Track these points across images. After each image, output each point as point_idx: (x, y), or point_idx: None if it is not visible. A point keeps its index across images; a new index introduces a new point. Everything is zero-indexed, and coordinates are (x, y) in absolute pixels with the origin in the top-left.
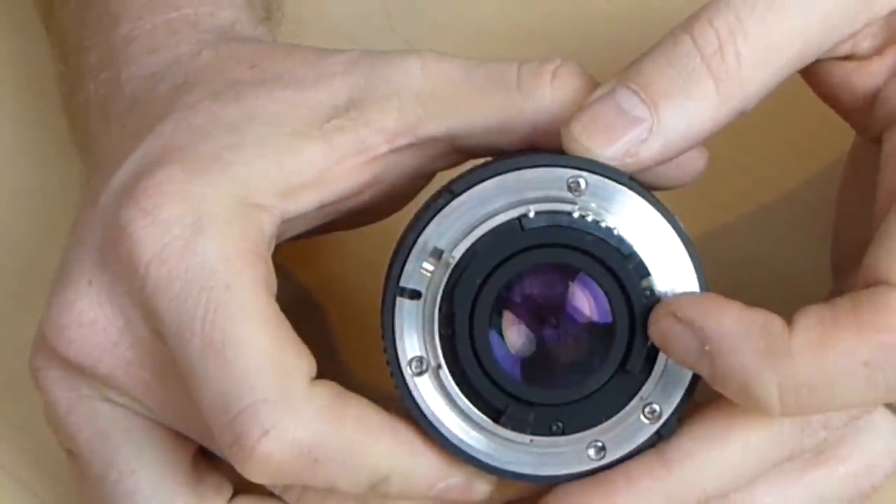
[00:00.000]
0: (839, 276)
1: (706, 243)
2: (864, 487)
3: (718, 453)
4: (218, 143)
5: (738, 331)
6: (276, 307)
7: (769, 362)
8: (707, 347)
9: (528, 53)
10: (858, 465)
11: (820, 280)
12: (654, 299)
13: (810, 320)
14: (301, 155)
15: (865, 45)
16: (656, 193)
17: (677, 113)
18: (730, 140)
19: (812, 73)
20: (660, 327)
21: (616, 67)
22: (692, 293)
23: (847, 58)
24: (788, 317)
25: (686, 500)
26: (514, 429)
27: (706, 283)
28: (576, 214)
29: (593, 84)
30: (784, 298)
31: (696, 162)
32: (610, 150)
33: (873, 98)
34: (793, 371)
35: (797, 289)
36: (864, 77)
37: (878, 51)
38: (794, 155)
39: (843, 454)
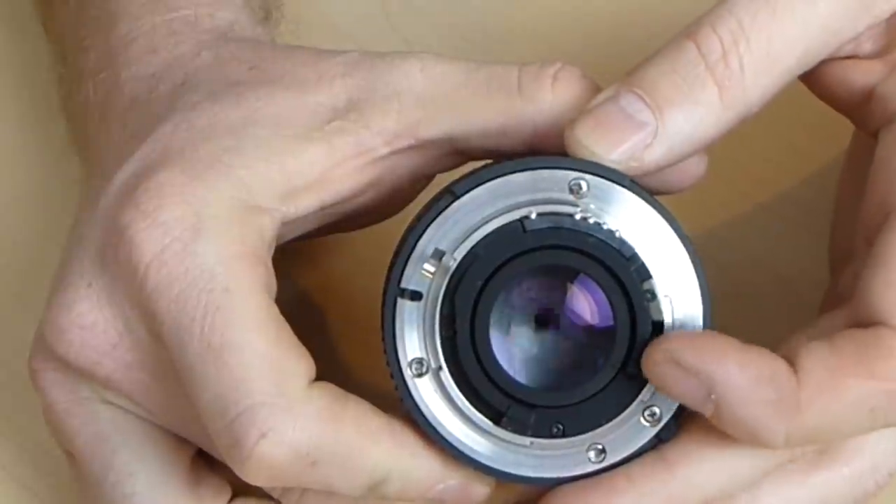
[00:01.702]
0: (836, 273)
1: (705, 243)
2: (868, 487)
3: (719, 455)
4: (218, 145)
5: (745, 382)
6: (276, 310)
7: (777, 412)
8: (713, 396)
9: (528, 53)
10: (862, 465)
11: (818, 279)
12: (655, 303)
13: (816, 366)
14: (302, 157)
15: (868, 46)
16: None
17: (682, 119)
18: (729, 140)
19: (810, 73)
20: (659, 372)
21: (617, 67)
22: (690, 333)
23: (849, 57)
24: (789, 317)
25: (687, 502)
26: (514, 431)
27: (707, 286)
28: (577, 216)
29: (594, 88)
30: (783, 298)
31: (696, 167)
32: (615, 154)
33: (869, 95)
34: (801, 420)
35: (796, 288)
36: (861, 74)
37: (880, 51)
38: (792, 155)
39: (846, 455)
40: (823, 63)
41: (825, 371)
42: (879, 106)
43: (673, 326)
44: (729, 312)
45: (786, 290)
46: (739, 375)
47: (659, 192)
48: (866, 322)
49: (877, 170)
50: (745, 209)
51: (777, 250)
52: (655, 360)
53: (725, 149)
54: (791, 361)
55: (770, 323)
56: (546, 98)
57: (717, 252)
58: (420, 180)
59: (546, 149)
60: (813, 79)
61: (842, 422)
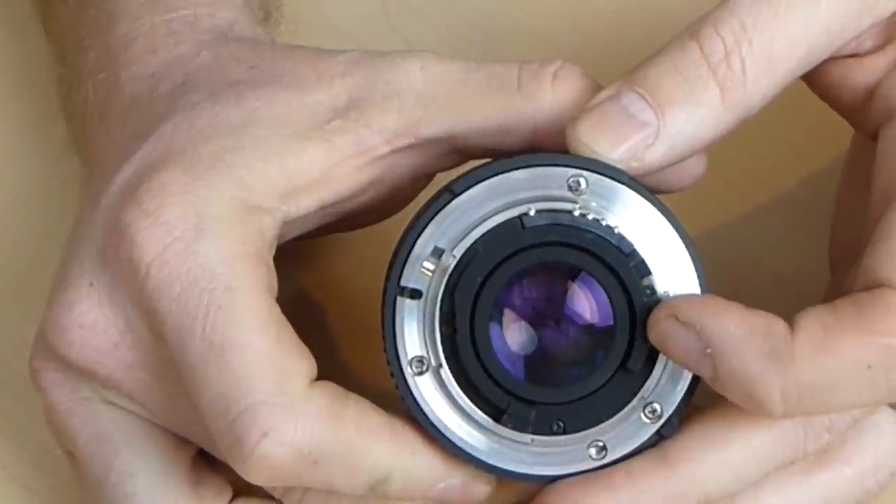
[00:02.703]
0: (836, 272)
1: (705, 243)
2: (870, 487)
3: (720, 454)
4: (219, 145)
5: (740, 334)
6: (277, 309)
7: (772, 365)
8: (709, 350)
9: (527, 53)
10: (864, 465)
11: (819, 279)
12: (654, 298)
13: (812, 323)
14: (302, 156)
15: (869, 44)
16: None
17: (683, 119)
18: (728, 140)
19: (811, 71)
20: (660, 329)
21: (616, 67)
22: (692, 295)
23: (851, 55)
24: (788, 316)
25: (686, 500)
26: (515, 428)
27: (706, 282)
28: (576, 213)
29: (594, 86)
30: (783, 297)
31: (695, 167)
32: (616, 153)
33: (871, 93)
34: (795, 374)
35: (796, 288)
36: (863, 72)
37: (879, 47)
38: (792, 154)
39: (847, 455)
40: (825, 62)
41: (821, 327)
42: (880, 103)
43: None
44: None
45: (785, 290)
46: (734, 328)
47: (658, 191)
48: (869, 288)
49: (879, 165)
50: (745, 208)
51: (776, 249)
52: (658, 317)
53: (725, 148)
54: (791, 325)
55: None
56: (546, 96)
57: (716, 251)
58: (420, 179)
59: (546, 147)
60: (814, 78)
61: (839, 380)
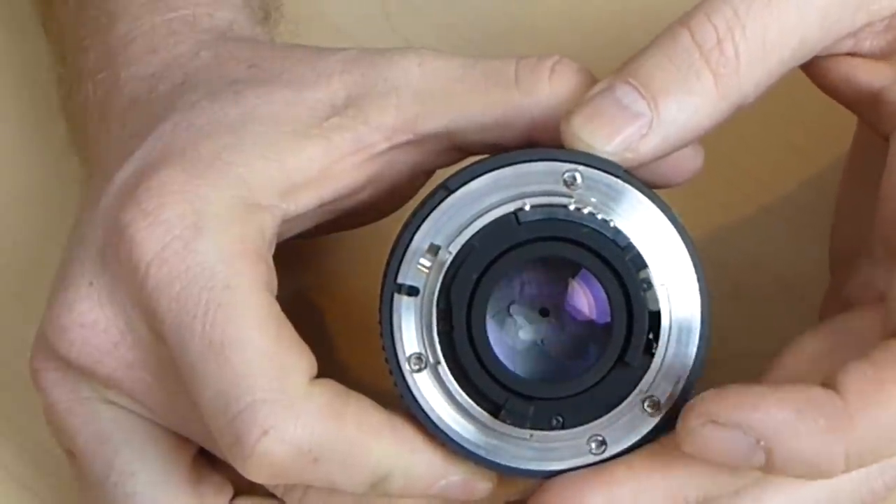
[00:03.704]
0: (836, 274)
1: (706, 244)
2: (877, 488)
3: None
4: (218, 143)
5: (790, 417)
6: (277, 307)
7: (833, 436)
8: (762, 443)
9: (527, 53)
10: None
11: (819, 281)
12: (651, 292)
13: (858, 382)
14: (301, 154)
15: (867, 44)
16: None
17: (677, 108)
18: (729, 140)
19: (815, 69)
20: (700, 437)
21: (615, 65)
22: (713, 392)
23: (850, 54)
24: (788, 318)
25: (687, 496)
26: (513, 423)
27: (703, 275)
28: (571, 207)
29: (591, 80)
30: (783, 299)
31: (692, 160)
32: (610, 145)
33: (878, 97)
34: (856, 437)
35: (797, 290)
36: (867, 74)
37: (883, 52)
38: (793, 156)
39: None
40: (828, 59)
41: (867, 384)
42: (889, 109)
43: (670, 316)
44: (729, 313)
45: (786, 291)
46: (782, 412)
47: (656, 186)
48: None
49: (892, 172)
50: (746, 210)
51: (777, 251)
52: (692, 427)
53: (726, 149)
54: (830, 385)
55: (770, 324)
56: (543, 91)
57: (716, 252)
58: (419, 176)
59: (544, 141)
60: (818, 75)
61: (893, 430)
